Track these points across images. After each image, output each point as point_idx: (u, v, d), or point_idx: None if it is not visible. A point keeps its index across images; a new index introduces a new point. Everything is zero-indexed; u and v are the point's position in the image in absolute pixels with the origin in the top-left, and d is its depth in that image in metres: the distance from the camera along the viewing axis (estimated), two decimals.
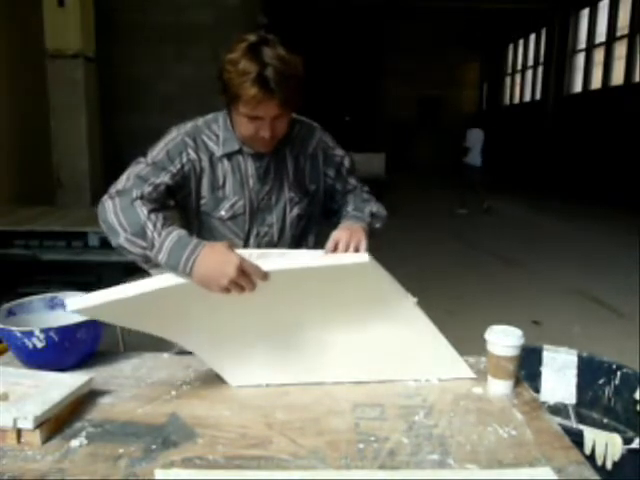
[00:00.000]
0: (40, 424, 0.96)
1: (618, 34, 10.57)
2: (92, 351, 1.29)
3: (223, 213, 1.37)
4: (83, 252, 3.78)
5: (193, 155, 1.33)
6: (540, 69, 14.27)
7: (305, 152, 1.41)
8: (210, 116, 1.39)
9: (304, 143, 1.41)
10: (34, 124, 5.45)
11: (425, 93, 17.14)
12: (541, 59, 14.24)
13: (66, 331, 1.19)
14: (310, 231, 1.47)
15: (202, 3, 6.76)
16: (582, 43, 12.19)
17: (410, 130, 17.17)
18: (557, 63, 12.95)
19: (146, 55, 6.75)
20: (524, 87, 15.67)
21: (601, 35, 11.27)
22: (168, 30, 6.74)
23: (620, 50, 10.44)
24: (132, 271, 2.08)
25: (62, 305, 1.36)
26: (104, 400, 1.12)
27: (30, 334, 1.16)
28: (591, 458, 1.38)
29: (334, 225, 1.34)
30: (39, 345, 1.17)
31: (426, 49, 16.65)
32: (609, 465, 1.40)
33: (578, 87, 12.26)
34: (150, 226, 1.14)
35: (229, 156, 1.35)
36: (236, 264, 1.04)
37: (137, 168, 1.28)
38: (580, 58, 12.23)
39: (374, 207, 1.44)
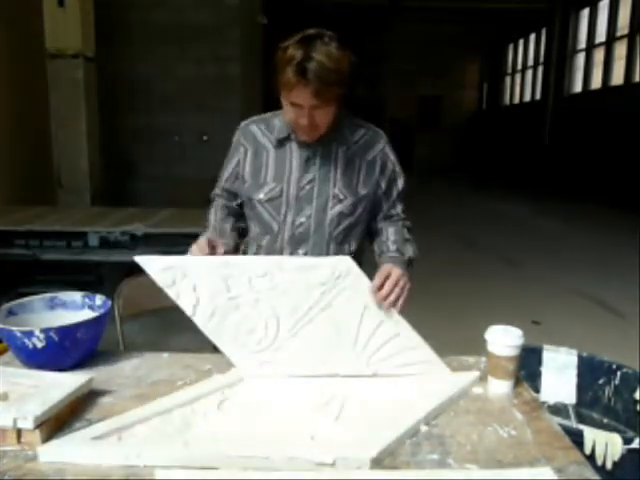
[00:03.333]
0: (40, 424, 0.96)
1: (618, 34, 10.56)
2: (92, 351, 1.29)
3: (262, 196, 1.43)
4: (83, 252, 3.79)
5: (243, 140, 1.47)
6: (540, 69, 14.26)
7: (364, 156, 1.43)
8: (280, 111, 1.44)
9: (366, 148, 1.43)
10: (34, 124, 5.45)
11: (425, 93, 17.14)
12: (541, 59, 14.23)
13: (66, 331, 1.19)
14: (353, 236, 1.48)
15: (202, 3, 6.75)
16: (582, 43, 12.18)
17: (410, 130, 17.16)
18: (557, 63, 12.94)
19: (146, 55, 6.74)
20: (524, 87, 15.66)
21: (601, 35, 11.26)
22: (168, 30, 6.73)
23: (620, 50, 10.43)
24: (132, 271, 2.08)
25: (62, 305, 1.36)
26: (104, 400, 1.12)
27: (30, 334, 1.16)
28: (591, 458, 1.38)
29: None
30: (39, 345, 1.16)
31: (426, 49, 16.64)
32: (609, 465, 1.40)
33: (578, 87, 12.25)
34: (212, 216, 1.54)
35: (280, 142, 1.42)
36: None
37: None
38: (580, 58, 12.23)
39: (411, 252, 1.46)
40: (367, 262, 1.47)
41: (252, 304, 1.23)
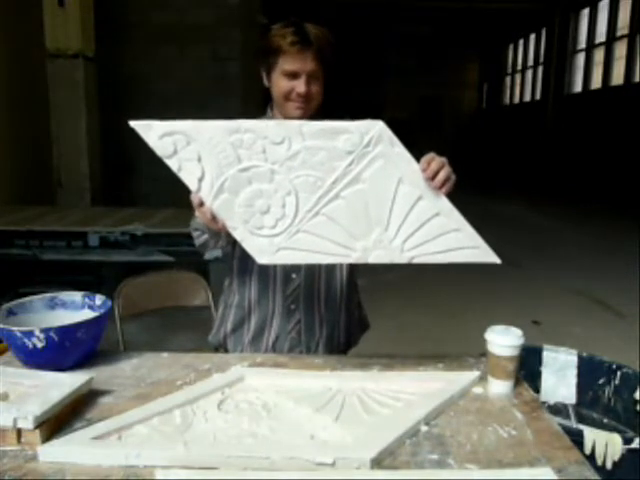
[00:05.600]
0: (40, 424, 0.96)
1: (618, 34, 10.57)
2: (92, 351, 1.29)
3: None
4: (83, 252, 3.79)
5: None
6: (540, 69, 14.27)
7: None
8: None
9: None
10: (34, 124, 5.44)
11: (425, 93, 17.14)
12: (541, 59, 14.24)
13: (66, 331, 1.19)
14: None
15: (202, 3, 6.74)
16: (582, 43, 12.18)
17: (410, 130, 17.17)
18: (557, 63, 12.95)
19: (146, 55, 6.74)
20: (524, 87, 15.66)
21: (601, 35, 11.26)
22: (168, 30, 6.72)
23: (620, 50, 10.44)
24: (132, 271, 2.08)
25: (62, 305, 1.36)
26: (104, 400, 1.12)
27: (30, 334, 1.16)
28: (591, 458, 1.38)
29: None
30: (39, 345, 1.16)
31: (426, 49, 16.65)
32: (609, 465, 1.40)
33: (578, 87, 12.26)
34: None
35: None
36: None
37: None
38: (580, 58, 12.23)
39: None
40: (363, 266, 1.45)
41: (267, 177, 1.09)
